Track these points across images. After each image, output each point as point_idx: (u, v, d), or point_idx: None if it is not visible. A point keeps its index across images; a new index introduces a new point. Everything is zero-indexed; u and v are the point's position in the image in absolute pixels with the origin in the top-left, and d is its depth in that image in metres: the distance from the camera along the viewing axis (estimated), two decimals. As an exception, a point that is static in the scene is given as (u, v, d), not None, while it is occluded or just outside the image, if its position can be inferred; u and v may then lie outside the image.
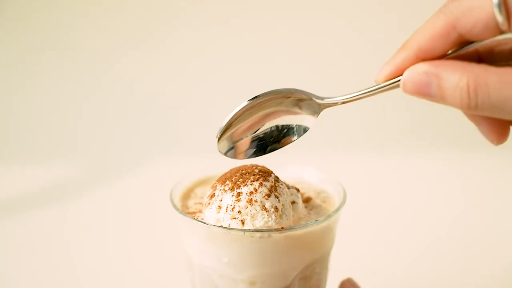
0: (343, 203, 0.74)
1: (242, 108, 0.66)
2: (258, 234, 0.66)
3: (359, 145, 1.77)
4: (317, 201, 0.79)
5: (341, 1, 1.92)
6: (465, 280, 1.14)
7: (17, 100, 1.92)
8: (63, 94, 1.93)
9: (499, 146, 0.64)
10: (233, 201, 0.68)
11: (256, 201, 0.68)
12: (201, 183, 0.84)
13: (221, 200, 0.70)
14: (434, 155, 1.71)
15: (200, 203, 0.78)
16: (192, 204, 0.78)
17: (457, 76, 0.55)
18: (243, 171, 0.72)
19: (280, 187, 0.71)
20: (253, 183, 0.70)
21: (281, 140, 0.69)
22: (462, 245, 1.26)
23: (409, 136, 1.79)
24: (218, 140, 0.68)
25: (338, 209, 0.72)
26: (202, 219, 0.71)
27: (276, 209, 0.68)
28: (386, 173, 1.67)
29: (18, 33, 1.91)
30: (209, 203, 0.72)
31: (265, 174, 0.72)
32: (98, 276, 1.15)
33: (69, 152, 1.82)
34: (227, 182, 0.71)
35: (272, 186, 0.70)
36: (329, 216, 0.70)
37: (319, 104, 0.66)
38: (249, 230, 0.66)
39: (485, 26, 0.55)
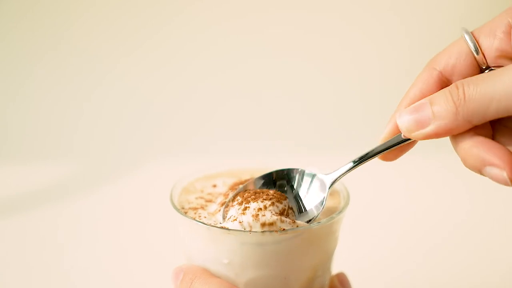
0: (346, 204, 0.72)
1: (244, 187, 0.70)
2: (259, 236, 0.64)
3: (361, 145, 1.76)
4: None
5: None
6: (470, 282, 1.12)
7: (13, 99, 1.91)
8: (60, 93, 1.92)
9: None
10: (239, 214, 0.67)
11: (264, 215, 0.66)
12: (201, 179, 0.82)
13: (227, 211, 0.69)
14: (438, 155, 1.69)
15: (201, 197, 0.76)
16: (193, 199, 0.76)
17: (445, 89, 0.56)
18: (258, 190, 0.70)
19: (291, 212, 0.69)
20: (264, 201, 0.67)
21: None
22: (468, 247, 1.25)
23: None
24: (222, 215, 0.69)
25: (341, 211, 0.71)
26: (201, 217, 0.70)
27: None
28: (390, 173, 1.66)
29: (14, 32, 1.90)
30: (219, 210, 0.71)
31: (280, 197, 0.69)
32: (97, 278, 1.14)
33: (67, 153, 1.81)
34: (238, 197, 0.70)
35: (284, 209, 0.68)
36: (331, 218, 0.69)
37: (324, 181, 0.68)
38: (249, 232, 0.65)
39: (463, 60, 0.58)
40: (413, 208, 1.45)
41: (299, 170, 0.71)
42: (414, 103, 0.59)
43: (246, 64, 1.93)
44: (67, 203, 1.48)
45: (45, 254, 1.23)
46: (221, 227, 0.66)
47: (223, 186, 0.79)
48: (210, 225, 0.67)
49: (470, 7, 1.85)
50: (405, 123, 0.58)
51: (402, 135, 0.60)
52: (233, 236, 0.65)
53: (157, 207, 1.14)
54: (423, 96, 0.60)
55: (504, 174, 0.53)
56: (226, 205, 0.71)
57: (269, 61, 1.93)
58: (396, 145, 0.62)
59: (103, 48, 1.93)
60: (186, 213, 0.72)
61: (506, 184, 0.54)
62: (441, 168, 1.67)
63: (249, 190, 0.70)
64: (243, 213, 0.66)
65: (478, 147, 0.55)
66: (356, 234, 1.24)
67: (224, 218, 0.69)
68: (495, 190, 1.53)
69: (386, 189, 1.57)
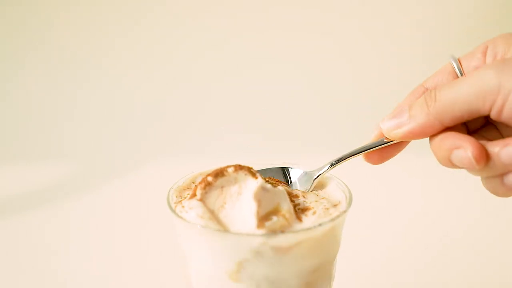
0: (349, 205, 0.70)
1: None
2: (256, 238, 0.63)
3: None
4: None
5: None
6: (470, 282, 1.12)
7: (12, 100, 1.90)
8: (59, 94, 1.91)
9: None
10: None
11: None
12: (201, 174, 0.80)
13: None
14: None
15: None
16: (185, 194, 0.75)
17: (422, 95, 0.63)
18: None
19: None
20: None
21: None
22: (468, 248, 1.24)
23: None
24: None
25: (343, 212, 0.69)
26: (184, 206, 0.68)
27: None
28: (394, 174, 1.65)
29: (10, 31, 1.89)
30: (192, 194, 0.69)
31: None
32: (96, 278, 1.13)
33: (65, 153, 1.80)
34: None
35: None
36: (332, 220, 0.67)
37: (311, 174, 0.75)
38: (247, 234, 0.63)
39: (447, 79, 0.68)
40: (414, 208, 1.44)
41: (289, 168, 0.78)
42: None
43: (246, 63, 1.92)
44: (66, 203, 1.47)
45: (43, 254, 1.22)
46: (218, 230, 0.64)
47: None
48: (206, 226, 0.65)
49: (466, 8, 1.85)
50: (385, 125, 0.65)
51: (384, 138, 0.68)
52: (230, 238, 0.64)
53: (156, 208, 1.13)
54: None
55: (468, 153, 0.57)
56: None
57: (269, 60, 1.92)
58: (378, 146, 0.69)
59: (103, 48, 1.92)
60: (175, 207, 0.69)
61: (472, 165, 0.57)
62: (442, 169, 1.67)
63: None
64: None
65: (447, 138, 0.60)
66: (356, 235, 1.23)
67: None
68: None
69: (391, 189, 1.56)
